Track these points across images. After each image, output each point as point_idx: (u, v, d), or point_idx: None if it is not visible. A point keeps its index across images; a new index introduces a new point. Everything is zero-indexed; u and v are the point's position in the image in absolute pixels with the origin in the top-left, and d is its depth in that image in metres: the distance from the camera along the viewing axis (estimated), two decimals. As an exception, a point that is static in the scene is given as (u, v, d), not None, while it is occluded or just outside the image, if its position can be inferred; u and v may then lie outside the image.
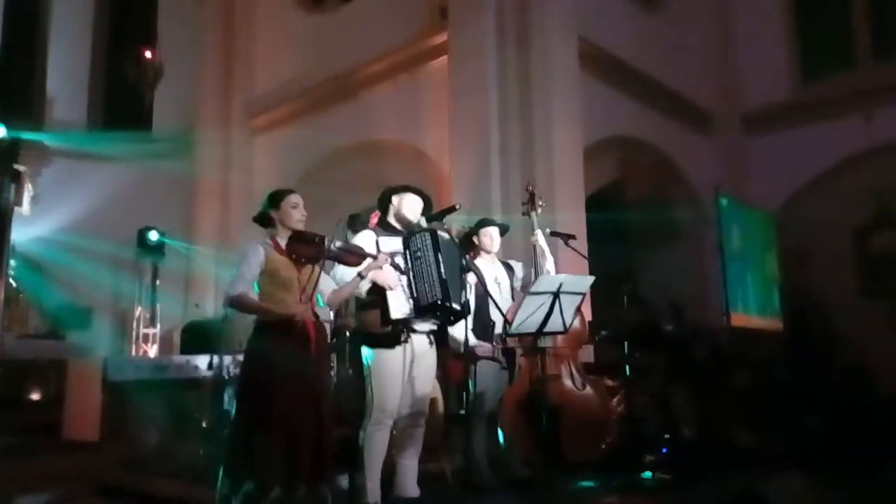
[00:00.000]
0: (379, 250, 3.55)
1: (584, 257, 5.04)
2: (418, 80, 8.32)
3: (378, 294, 3.51)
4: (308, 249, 3.24)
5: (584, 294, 3.59)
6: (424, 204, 3.82)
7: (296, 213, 3.40)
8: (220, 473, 3.19)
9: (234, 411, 3.38)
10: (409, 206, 3.75)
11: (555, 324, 3.43)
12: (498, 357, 4.17)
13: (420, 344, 3.64)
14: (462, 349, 3.78)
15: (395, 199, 3.80)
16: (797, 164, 9.43)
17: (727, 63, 10.55)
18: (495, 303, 3.73)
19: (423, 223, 3.70)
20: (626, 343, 4.79)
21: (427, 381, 3.73)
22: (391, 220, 3.79)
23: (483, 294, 4.01)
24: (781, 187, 9.55)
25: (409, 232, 3.65)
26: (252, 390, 3.21)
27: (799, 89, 10.16)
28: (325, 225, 3.74)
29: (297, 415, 3.13)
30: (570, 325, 3.56)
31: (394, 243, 3.60)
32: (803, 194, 9.61)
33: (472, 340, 4.00)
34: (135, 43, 11.21)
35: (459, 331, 3.88)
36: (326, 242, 3.26)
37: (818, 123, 9.34)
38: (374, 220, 3.90)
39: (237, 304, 3.25)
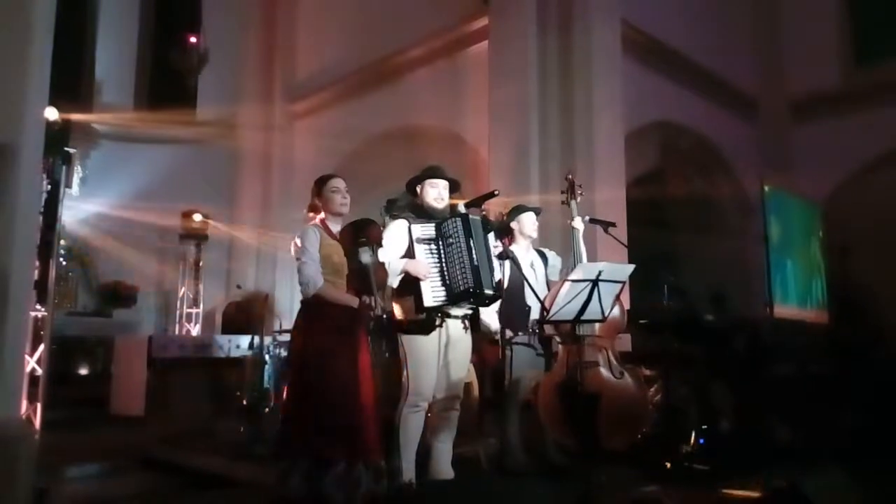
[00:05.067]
0: (412, 237, 3.58)
1: (624, 245, 4.98)
2: (458, 66, 8.29)
3: (411, 282, 3.54)
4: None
5: (623, 282, 3.56)
6: (450, 183, 3.83)
7: (336, 198, 3.44)
8: (278, 450, 3.27)
9: (289, 389, 3.45)
10: (432, 194, 3.76)
11: (593, 312, 3.40)
12: (533, 343, 4.18)
13: (455, 328, 3.67)
14: (492, 334, 3.81)
15: (418, 188, 3.82)
16: (846, 152, 9.13)
17: (774, 47, 10.24)
18: (532, 289, 3.72)
19: (462, 208, 3.70)
20: (665, 332, 4.74)
21: (462, 365, 3.76)
22: (421, 205, 3.80)
23: (519, 279, 4.01)
24: (829, 176, 9.27)
25: (441, 218, 3.67)
26: (306, 367, 3.26)
27: (850, 75, 9.81)
28: (366, 207, 3.78)
29: (355, 391, 3.19)
30: (609, 313, 3.54)
31: (426, 229, 3.63)
32: (851, 184, 9.32)
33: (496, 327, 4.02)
34: (180, 29, 11.38)
35: (491, 316, 3.91)
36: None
37: (869, 111, 9.01)
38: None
39: (322, 295, 3.29)
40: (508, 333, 4.01)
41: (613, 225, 4.61)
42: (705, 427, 4.62)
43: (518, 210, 4.44)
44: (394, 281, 3.55)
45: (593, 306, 3.37)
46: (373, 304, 3.22)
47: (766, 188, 7.61)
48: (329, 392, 3.16)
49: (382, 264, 3.39)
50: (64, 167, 4.79)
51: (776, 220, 7.65)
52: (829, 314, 8.44)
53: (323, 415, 3.14)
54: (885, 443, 4.65)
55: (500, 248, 3.76)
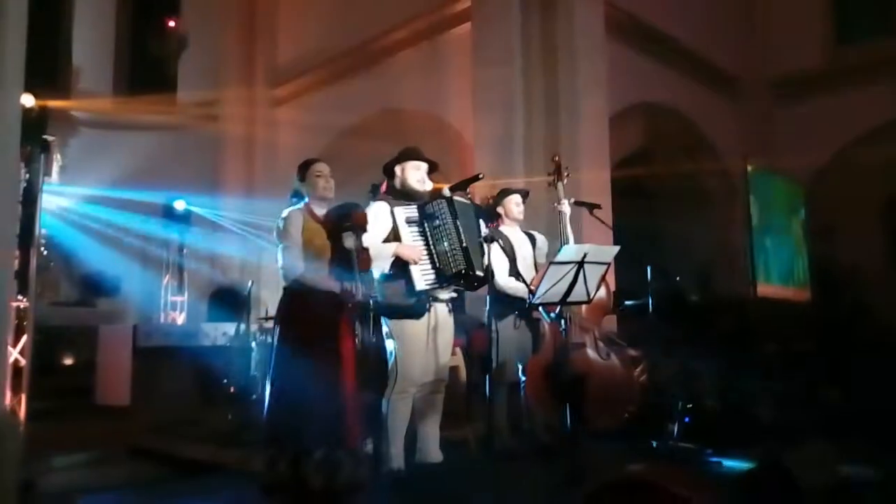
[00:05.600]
0: (395, 220, 3.55)
1: (609, 227, 4.99)
2: (441, 48, 8.22)
3: (400, 266, 3.52)
4: None
5: (608, 264, 3.57)
6: (428, 165, 3.80)
7: (320, 182, 3.42)
8: (266, 436, 3.27)
9: (271, 377, 3.44)
10: (412, 175, 3.72)
11: (579, 294, 3.42)
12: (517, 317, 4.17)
13: (441, 312, 3.67)
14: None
15: (397, 169, 3.77)
16: (828, 131, 9.20)
17: (757, 27, 10.27)
18: (518, 270, 3.73)
19: (447, 192, 3.68)
20: (650, 313, 4.77)
21: (448, 348, 3.78)
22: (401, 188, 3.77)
23: (510, 258, 4.03)
24: (812, 155, 9.33)
25: (424, 201, 3.64)
26: (289, 354, 3.25)
27: (832, 55, 9.85)
28: (349, 193, 3.75)
29: (335, 377, 3.19)
30: (594, 295, 3.55)
31: (410, 211, 3.60)
32: (834, 163, 9.40)
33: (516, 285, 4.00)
34: (158, 13, 11.20)
35: (504, 280, 3.96)
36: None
37: (851, 90, 9.07)
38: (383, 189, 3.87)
39: (301, 282, 3.28)
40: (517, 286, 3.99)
41: (598, 207, 4.62)
42: (690, 406, 4.67)
43: (504, 193, 4.44)
44: (384, 265, 3.53)
45: (579, 288, 3.38)
46: (354, 289, 3.21)
47: (750, 168, 7.66)
48: (308, 379, 3.15)
49: (366, 249, 3.36)
50: (42, 155, 4.71)
51: (759, 200, 7.71)
52: (811, 292, 8.54)
53: (301, 401, 3.14)
54: (866, 418, 4.72)
55: (486, 232, 3.75)
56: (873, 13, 9.76)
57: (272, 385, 3.36)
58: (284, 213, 3.35)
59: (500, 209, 4.39)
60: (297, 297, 3.29)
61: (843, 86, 9.19)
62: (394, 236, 3.56)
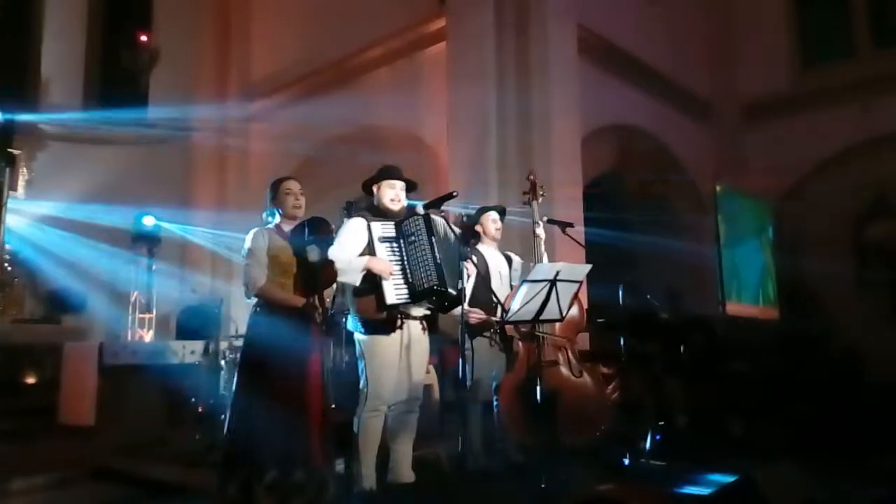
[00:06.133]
0: (371, 235, 3.54)
1: (582, 245, 5.03)
2: (417, 66, 8.27)
3: (372, 280, 3.50)
4: None
5: (580, 282, 3.59)
6: (406, 184, 3.80)
7: (289, 200, 3.42)
8: (221, 458, 3.22)
9: (233, 396, 3.40)
10: (386, 194, 3.72)
11: (551, 311, 3.43)
12: (493, 335, 4.17)
13: (414, 330, 3.65)
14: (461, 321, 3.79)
15: (374, 187, 3.79)
16: (796, 153, 9.41)
17: (726, 51, 10.51)
18: (491, 289, 3.73)
19: (420, 210, 3.68)
20: (622, 331, 4.80)
21: (421, 366, 3.75)
22: (377, 206, 3.77)
23: (484, 277, 4.03)
24: (780, 176, 9.53)
25: (401, 218, 3.64)
26: (251, 374, 3.21)
27: (798, 78, 10.13)
28: (323, 210, 3.73)
29: (296, 398, 3.15)
30: (567, 312, 3.57)
31: (386, 228, 3.60)
32: (801, 183, 9.61)
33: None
34: (131, 26, 11.11)
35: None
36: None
37: (817, 113, 9.32)
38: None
39: (263, 294, 3.26)
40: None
41: (571, 225, 4.65)
42: (662, 423, 4.70)
43: (482, 210, 4.46)
44: (355, 278, 3.50)
45: (551, 306, 3.40)
46: (316, 302, 3.20)
47: (718, 189, 7.80)
48: (265, 396, 3.11)
49: (331, 262, 3.35)
50: (8, 169, 4.64)
51: (728, 220, 7.84)
52: (779, 311, 8.68)
53: (259, 421, 3.09)
54: (833, 434, 4.79)
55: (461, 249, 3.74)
56: (837, 38, 10.06)
57: (232, 403, 3.32)
58: (250, 233, 3.35)
59: (478, 227, 4.40)
60: (265, 312, 3.26)
61: (809, 108, 9.43)
62: (369, 251, 3.55)
